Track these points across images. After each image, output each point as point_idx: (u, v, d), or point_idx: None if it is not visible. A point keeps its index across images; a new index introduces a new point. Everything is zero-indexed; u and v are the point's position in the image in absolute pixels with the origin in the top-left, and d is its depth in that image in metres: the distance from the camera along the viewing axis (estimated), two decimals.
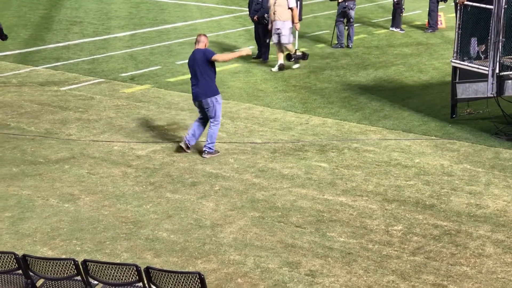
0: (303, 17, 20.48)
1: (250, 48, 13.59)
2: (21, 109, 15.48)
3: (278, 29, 18.35)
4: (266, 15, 19.20)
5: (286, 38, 18.40)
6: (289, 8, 18.23)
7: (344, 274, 9.00)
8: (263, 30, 19.38)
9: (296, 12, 18.41)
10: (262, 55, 19.67)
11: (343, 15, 21.25)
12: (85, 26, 24.22)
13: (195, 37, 12.83)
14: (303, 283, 8.80)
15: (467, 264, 9.25)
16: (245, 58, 19.83)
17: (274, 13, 18.36)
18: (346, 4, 21.13)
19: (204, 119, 12.87)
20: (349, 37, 21.29)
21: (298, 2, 18.93)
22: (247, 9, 20.22)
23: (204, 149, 12.74)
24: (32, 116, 15.01)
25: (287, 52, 18.62)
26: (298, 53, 18.68)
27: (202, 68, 12.48)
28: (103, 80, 17.75)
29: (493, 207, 10.86)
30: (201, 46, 12.59)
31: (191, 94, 12.85)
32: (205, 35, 12.76)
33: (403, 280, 8.87)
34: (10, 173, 12.11)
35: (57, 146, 13.33)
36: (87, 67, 18.91)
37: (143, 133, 14.00)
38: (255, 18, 19.35)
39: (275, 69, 18.68)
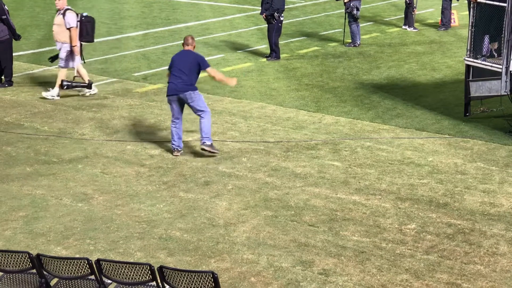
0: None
1: (236, 79, 13.41)
2: (34, 108, 15.54)
3: (59, 50, 16.40)
4: (276, 14, 19.22)
5: (62, 62, 16.27)
6: (67, 28, 16.16)
7: (357, 273, 8.99)
8: (271, 29, 19.40)
9: (75, 33, 16.13)
10: (272, 53, 19.67)
11: (351, 14, 21.18)
12: (98, 26, 24.10)
13: (184, 39, 12.89)
14: (316, 282, 8.79)
15: (481, 262, 9.22)
16: (257, 58, 19.85)
17: (53, 33, 16.54)
18: (352, 4, 21.07)
19: (179, 118, 12.79)
20: (352, 34, 21.26)
21: (80, 23, 16.31)
22: (260, 7, 20.24)
23: (204, 141, 12.57)
24: (46, 115, 15.06)
25: (61, 78, 16.22)
26: (80, 80, 16.44)
27: (191, 67, 12.59)
28: (116, 79, 17.78)
29: (507, 205, 10.83)
30: (190, 48, 12.79)
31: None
32: (192, 37, 12.94)
33: (417, 279, 8.85)
34: (24, 173, 12.15)
35: (71, 146, 13.37)
36: (100, 66, 18.96)
37: (156, 132, 14.02)
38: (263, 16, 19.44)
39: (48, 94, 16.29)
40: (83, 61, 16.66)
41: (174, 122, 12.82)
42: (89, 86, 16.33)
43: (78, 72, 16.36)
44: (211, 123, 12.76)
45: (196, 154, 12.89)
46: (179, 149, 12.83)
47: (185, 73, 12.58)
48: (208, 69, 12.74)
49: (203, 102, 12.72)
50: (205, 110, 12.66)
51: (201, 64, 12.66)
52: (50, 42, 21.70)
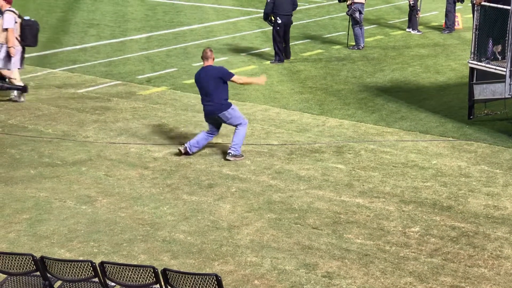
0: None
1: (265, 76, 13.39)
2: (38, 111, 15.55)
3: None
4: (272, 18, 19.45)
5: (1, 62, 15.99)
6: (4, 29, 15.85)
7: (361, 275, 8.98)
8: (272, 31, 19.61)
9: (11, 34, 15.80)
10: (275, 56, 19.73)
11: (353, 17, 21.19)
12: (102, 29, 24.31)
13: (203, 52, 12.80)
14: (320, 284, 8.78)
15: (485, 265, 9.21)
16: (260, 60, 19.86)
17: None
18: (353, 7, 21.09)
19: (213, 133, 12.95)
20: (355, 37, 21.27)
21: (20, 26, 16.06)
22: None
23: (229, 150, 12.69)
24: (50, 118, 15.07)
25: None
26: (17, 83, 16.13)
27: (216, 84, 12.51)
28: (120, 82, 17.80)
29: (511, 208, 10.81)
30: (210, 62, 12.68)
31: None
32: (210, 50, 12.82)
33: (421, 281, 8.84)
34: (27, 175, 12.17)
35: (74, 148, 13.38)
36: (104, 69, 18.98)
37: (159, 135, 14.03)
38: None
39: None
40: (21, 67, 16.35)
41: (207, 132, 12.92)
42: (24, 89, 16.06)
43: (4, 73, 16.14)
44: (245, 133, 12.81)
45: (200, 157, 12.89)
46: (188, 151, 12.78)
47: (213, 95, 12.51)
48: (234, 78, 12.61)
49: (239, 116, 12.70)
50: (242, 122, 12.70)
51: (224, 78, 12.54)
52: (54, 45, 21.77)
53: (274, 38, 19.58)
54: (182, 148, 12.83)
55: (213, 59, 12.77)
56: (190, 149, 12.82)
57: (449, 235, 9.99)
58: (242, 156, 12.78)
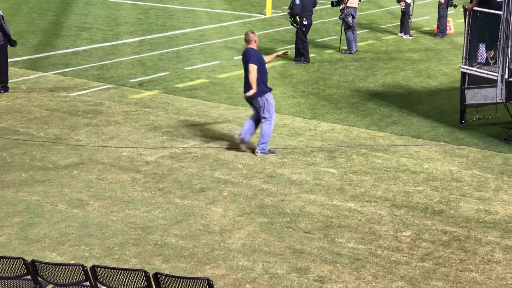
0: None
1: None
2: (30, 115, 15.52)
3: None
4: (297, 18, 19.88)
5: None
6: None
7: (352, 280, 8.98)
8: (296, 33, 20.16)
9: None
10: (301, 57, 20.22)
11: (345, 21, 21.27)
12: (94, 32, 24.28)
13: (245, 35, 13.06)
14: None
15: (476, 270, 9.22)
16: None
17: None
18: (346, 11, 21.17)
19: (256, 118, 13.14)
20: (348, 41, 21.37)
21: None
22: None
23: (257, 149, 13.00)
24: (41, 121, 15.04)
25: None
26: None
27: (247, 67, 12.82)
28: (112, 86, 17.78)
29: (503, 213, 10.83)
30: (251, 45, 12.85)
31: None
32: (252, 32, 12.97)
33: (412, 286, 8.85)
34: (19, 179, 12.14)
35: (66, 152, 13.36)
36: (96, 73, 18.95)
37: (151, 139, 14.01)
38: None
39: None
40: None
41: (251, 118, 13.16)
42: None
43: None
44: (271, 130, 13.02)
45: (192, 160, 12.88)
46: (243, 140, 13.05)
47: (246, 78, 12.83)
48: (251, 67, 12.62)
49: (268, 110, 12.86)
50: (267, 118, 12.87)
51: (248, 60, 12.69)
52: (46, 48, 21.73)
53: (300, 39, 20.03)
54: (239, 139, 13.13)
55: (256, 41, 12.82)
56: (243, 139, 13.08)
57: (441, 240, 10.01)
58: (274, 152, 13.04)
